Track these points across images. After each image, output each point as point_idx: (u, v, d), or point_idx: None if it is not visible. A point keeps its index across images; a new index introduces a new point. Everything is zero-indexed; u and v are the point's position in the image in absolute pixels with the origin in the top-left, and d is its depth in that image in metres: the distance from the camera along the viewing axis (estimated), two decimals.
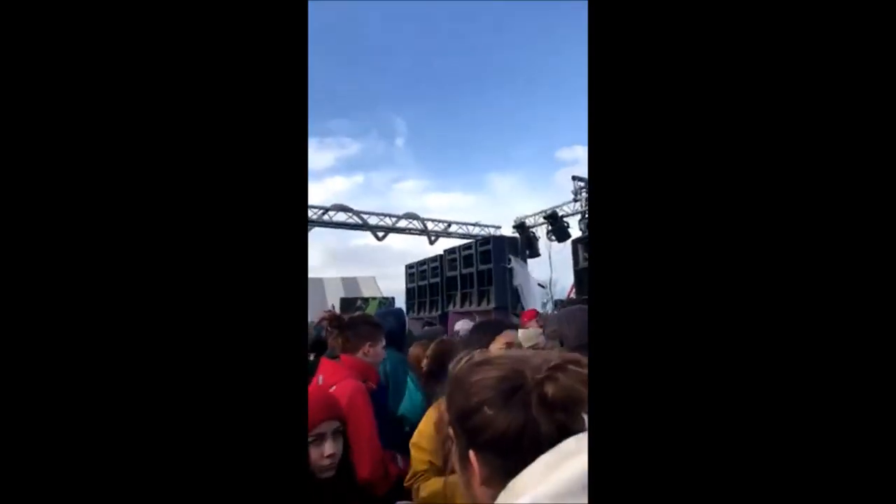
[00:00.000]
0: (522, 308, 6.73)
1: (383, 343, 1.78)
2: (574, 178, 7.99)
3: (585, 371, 0.53)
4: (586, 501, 0.45)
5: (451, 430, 0.60)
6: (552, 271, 8.23)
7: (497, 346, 1.39)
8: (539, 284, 8.19)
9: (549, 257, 8.19)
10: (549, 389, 0.52)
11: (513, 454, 0.52)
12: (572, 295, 6.16)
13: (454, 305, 7.67)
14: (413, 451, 1.35)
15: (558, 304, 6.49)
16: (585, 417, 0.51)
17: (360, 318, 1.76)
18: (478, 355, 0.63)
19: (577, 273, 5.63)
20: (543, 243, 8.38)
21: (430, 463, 1.28)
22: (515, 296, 7.20)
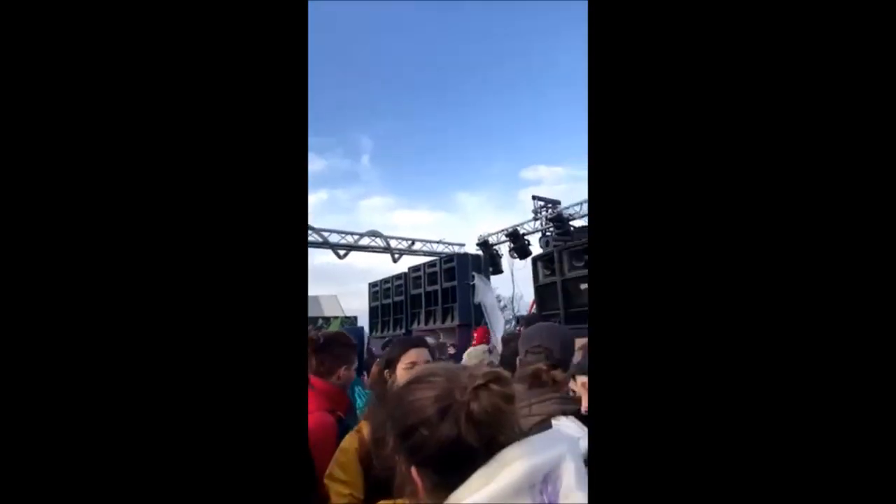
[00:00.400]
0: (486, 325, 6.80)
1: (356, 364, 1.76)
2: (534, 197, 8.26)
3: (506, 389, 0.58)
4: (523, 503, 0.50)
5: (395, 444, 0.63)
6: (515, 287, 8.39)
7: (402, 367, 1.37)
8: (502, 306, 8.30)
9: (512, 274, 8.36)
10: (475, 407, 0.56)
11: (449, 469, 0.56)
12: (533, 310, 6.30)
13: (418, 323, 7.63)
14: (329, 484, 1.18)
15: (520, 319, 6.61)
16: (512, 430, 0.57)
17: (334, 339, 1.72)
18: (415, 372, 0.67)
19: (538, 289, 5.77)
20: (507, 261, 8.55)
21: (351, 496, 1.16)
22: (479, 312, 7.27)
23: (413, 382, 0.65)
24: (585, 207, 7.32)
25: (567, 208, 7.58)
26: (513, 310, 8.65)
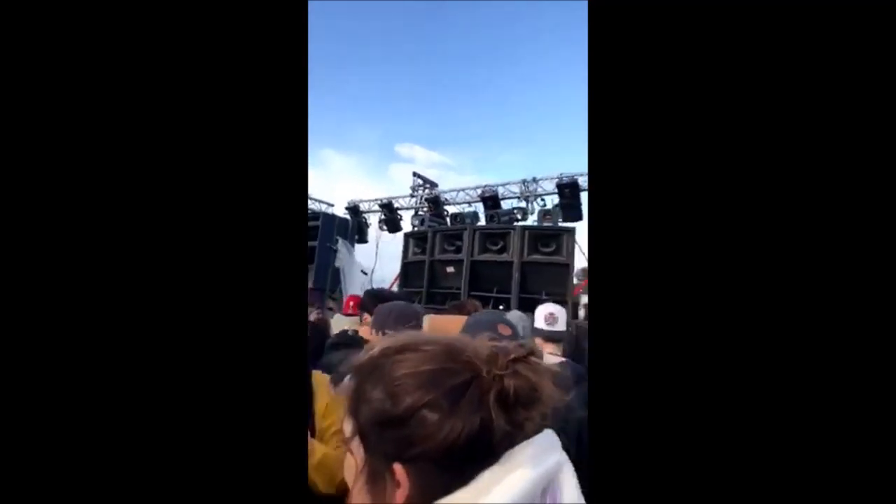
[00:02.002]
0: (341, 292, 6.53)
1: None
2: (415, 174, 8.21)
3: (542, 363, 0.47)
4: None
5: (357, 440, 0.47)
6: (377, 260, 8.26)
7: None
8: (362, 271, 8.12)
9: (377, 246, 8.20)
10: (511, 385, 0.44)
11: (459, 467, 0.43)
12: (395, 287, 6.30)
13: None
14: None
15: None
16: (544, 416, 0.47)
17: None
18: (398, 338, 0.50)
19: (405, 265, 5.77)
20: (374, 231, 8.35)
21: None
22: (336, 278, 6.94)
23: (397, 352, 0.47)
24: (462, 195, 7.58)
25: (445, 192, 7.72)
26: (370, 282, 8.51)
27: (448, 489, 0.42)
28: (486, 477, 0.42)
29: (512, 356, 0.45)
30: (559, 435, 0.50)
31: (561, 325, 1.64)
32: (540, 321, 1.65)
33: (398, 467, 0.43)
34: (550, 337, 1.60)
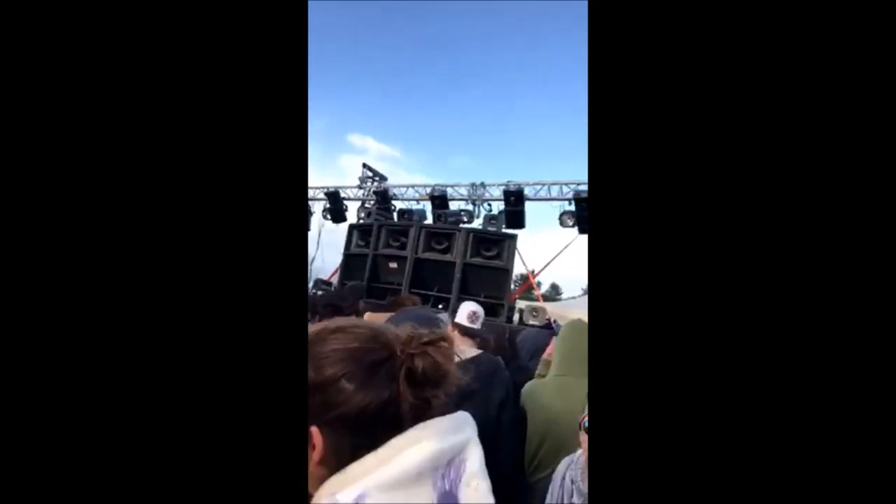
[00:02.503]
0: None
1: None
2: (365, 165, 8.07)
3: (452, 348, 0.54)
4: (422, 490, 0.46)
5: None
6: (318, 249, 8.02)
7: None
8: None
9: (319, 235, 7.97)
10: (420, 364, 0.51)
11: (367, 431, 0.49)
12: (334, 278, 6.17)
13: None
14: None
15: (319, 282, 6.37)
16: (448, 396, 0.54)
17: None
18: (330, 323, 0.57)
19: (347, 257, 5.67)
20: (316, 220, 8.10)
21: None
22: None
23: (328, 332, 0.53)
24: (411, 192, 7.57)
25: (394, 187, 7.67)
26: (309, 271, 8.25)
27: (356, 453, 0.48)
28: (393, 444, 0.48)
29: (424, 339, 0.52)
30: (482, 417, 0.55)
31: (478, 324, 1.81)
32: (462, 317, 1.76)
33: (314, 430, 0.49)
34: (468, 332, 1.72)
